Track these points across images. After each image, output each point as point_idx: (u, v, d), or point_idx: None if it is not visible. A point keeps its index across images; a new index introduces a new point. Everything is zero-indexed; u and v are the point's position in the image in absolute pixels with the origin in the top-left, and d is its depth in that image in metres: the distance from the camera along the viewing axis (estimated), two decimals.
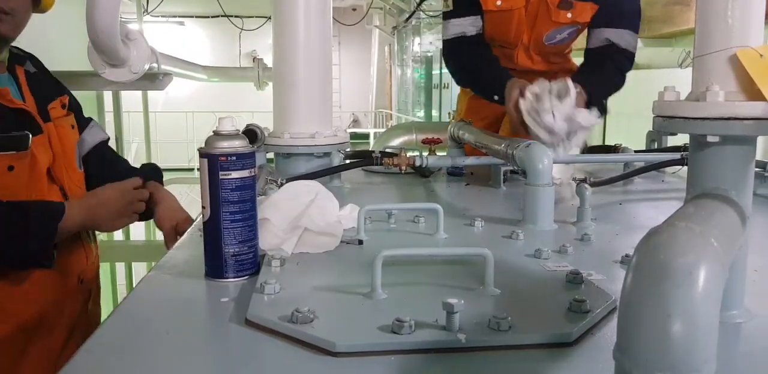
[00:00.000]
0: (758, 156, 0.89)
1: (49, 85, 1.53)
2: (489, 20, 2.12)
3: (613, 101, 2.18)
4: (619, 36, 2.04)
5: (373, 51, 13.72)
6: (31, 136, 1.33)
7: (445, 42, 2.18)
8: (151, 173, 1.65)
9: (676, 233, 0.56)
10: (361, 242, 1.21)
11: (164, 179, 1.70)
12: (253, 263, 1.05)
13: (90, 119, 1.68)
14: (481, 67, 2.07)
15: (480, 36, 2.12)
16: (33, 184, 1.36)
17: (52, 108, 1.47)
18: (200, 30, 14.70)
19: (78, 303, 1.51)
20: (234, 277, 1.03)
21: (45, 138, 1.40)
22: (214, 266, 1.04)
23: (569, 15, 2.05)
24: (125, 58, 1.77)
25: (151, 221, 1.56)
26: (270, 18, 2.12)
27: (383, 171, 2.10)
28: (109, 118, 6.06)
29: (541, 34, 2.14)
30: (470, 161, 1.99)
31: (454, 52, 2.18)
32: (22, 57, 1.49)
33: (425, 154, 2.01)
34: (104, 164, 1.63)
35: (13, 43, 1.44)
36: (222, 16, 12.35)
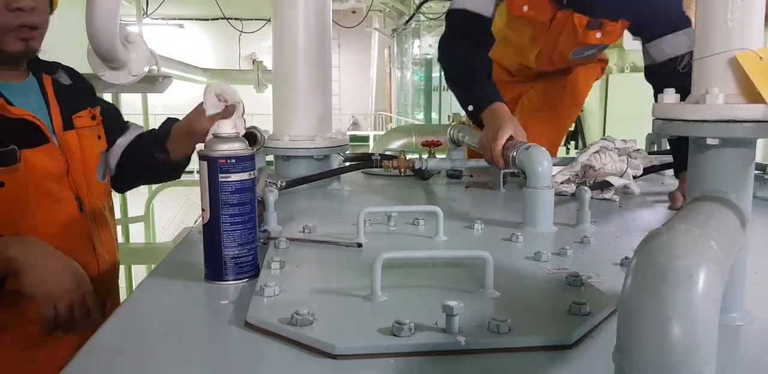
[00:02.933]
0: (758, 159, 0.89)
1: (80, 97, 1.50)
2: (510, 24, 2.05)
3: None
4: (674, 44, 1.71)
5: (373, 54, 13.71)
6: (17, 149, 1.27)
7: (452, 12, 1.83)
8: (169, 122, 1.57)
9: (675, 235, 0.56)
10: (360, 245, 1.20)
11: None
12: (252, 266, 1.05)
13: (126, 124, 1.65)
14: (473, 75, 1.80)
15: (489, 23, 1.81)
16: (32, 197, 1.31)
17: (78, 117, 1.44)
18: (200, 32, 14.71)
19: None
20: (233, 280, 1.03)
21: (52, 148, 1.35)
22: (214, 269, 1.04)
23: (598, 35, 1.86)
24: (125, 61, 1.77)
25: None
26: (270, 20, 2.13)
27: (383, 174, 2.10)
28: None
29: (564, 50, 2.00)
30: (470, 163, 2.00)
31: (457, 33, 1.84)
32: (52, 66, 1.48)
33: (425, 156, 2.01)
34: (140, 147, 1.59)
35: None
36: (222, 18, 12.41)
